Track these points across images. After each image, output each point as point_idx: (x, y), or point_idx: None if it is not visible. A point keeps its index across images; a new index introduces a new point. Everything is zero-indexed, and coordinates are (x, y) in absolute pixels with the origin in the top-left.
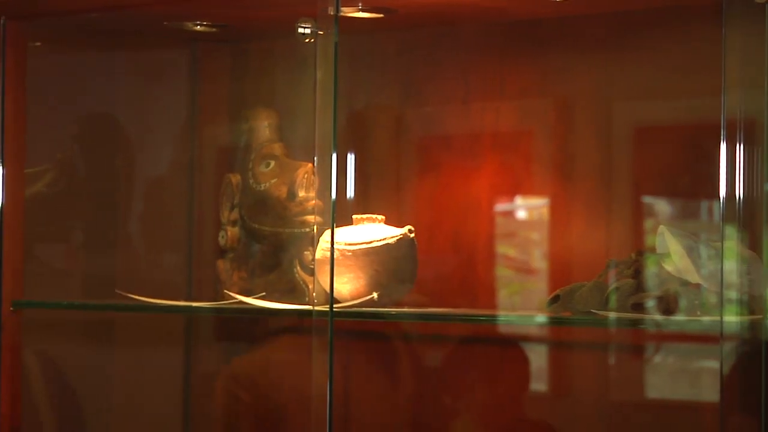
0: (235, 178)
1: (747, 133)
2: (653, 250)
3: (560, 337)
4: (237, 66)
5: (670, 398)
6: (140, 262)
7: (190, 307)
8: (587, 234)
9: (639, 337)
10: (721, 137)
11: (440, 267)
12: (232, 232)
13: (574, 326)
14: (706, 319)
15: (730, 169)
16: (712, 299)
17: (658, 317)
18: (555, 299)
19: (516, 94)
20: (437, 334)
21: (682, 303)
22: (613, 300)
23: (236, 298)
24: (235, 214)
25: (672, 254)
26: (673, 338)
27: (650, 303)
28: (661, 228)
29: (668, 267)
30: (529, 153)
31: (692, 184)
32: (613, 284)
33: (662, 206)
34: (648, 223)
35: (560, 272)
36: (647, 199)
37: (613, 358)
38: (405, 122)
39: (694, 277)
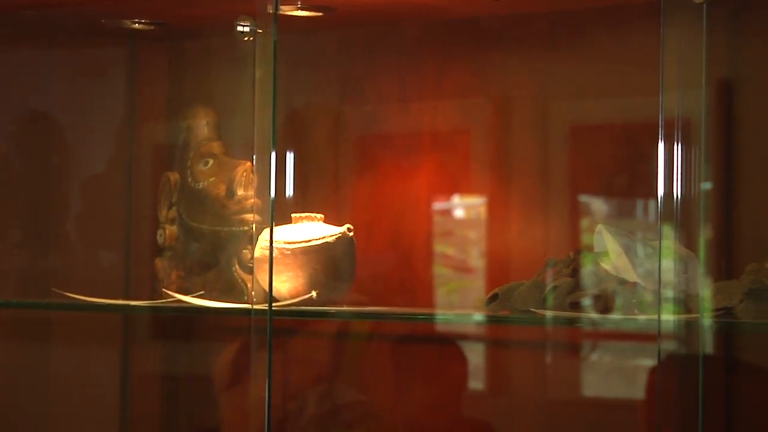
0: (174, 177)
1: (684, 132)
2: (591, 248)
3: (499, 335)
4: (175, 64)
5: (608, 396)
6: (78, 260)
7: (128, 305)
8: (525, 232)
9: (577, 335)
10: (659, 136)
11: (379, 266)
12: (171, 230)
13: (512, 325)
14: (643, 317)
15: (667, 169)
16: (650, 298)
17: (596, 316)
18: (493, 298)
19: (454, 93)
20: (376, 333)
21: (620, 301)
22: (552, 298)
23: (174, 297)
24: (173, 213)
25: (610, 253)
26: (611, 337)
27: (588, 302)
28: (599, 227)
29: (606, 266)
30: (467, 152)
31: (630, 183)
32: (551, 283)
33: (600, 205)
34: (586, 222)
35: (499, 271)
36: (585, 198)
37: (551, 356)
38: (344, 121)
39: (631, 276)
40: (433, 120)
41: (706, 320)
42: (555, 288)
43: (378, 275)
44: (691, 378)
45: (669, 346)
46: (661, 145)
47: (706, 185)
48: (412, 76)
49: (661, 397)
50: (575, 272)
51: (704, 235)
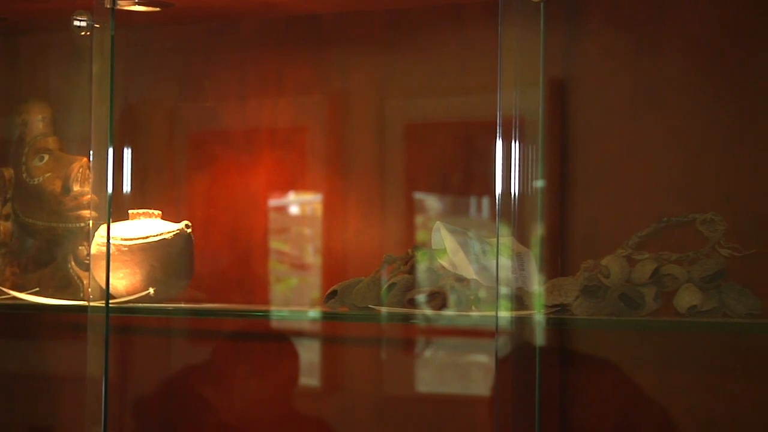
0: (8, 172)
1: (522, 130)
2: (429, 245)
3: (337, 332)
4: (10, 58)
5: (447, 392)
6: None
7: None
8: (363, 229)
9: (416, 332)
10: (497, 134)
11: (217, 262)
12: (5, 226)
13: (350, 321)
14: (480, 314)
15: (505, 166)
16: (486, 294)
17: (434, 313)
18: (332, 294)
19: (293, 91)
20: (214, 330)
21: (457, 298)
22: (391, 295)
23: (9, 294)
24: (7, 209)
25: (447, 250)
26: (448, 333)
27: (426, 298)
28: (437, 224)
29: (443, 262)
30: (306, 149)
31: (467, 180)
32: (390, 279)
33: (438, 202)
34: (423, 219)
35: (336, 267)
36: (422, 196)
37: (390, 353)
38: (182, 117)
39: (468, 273)
40: (271, 117)
41: (542, 317)
42: (393, 285)
43: (216, 272)
44: (528, 373)
45: (506, 342)
46: (499, 143)
47: (542, 183)
48: (250, 74)
49: (498, 391)
50: (413, 269)
51: (540, 232)
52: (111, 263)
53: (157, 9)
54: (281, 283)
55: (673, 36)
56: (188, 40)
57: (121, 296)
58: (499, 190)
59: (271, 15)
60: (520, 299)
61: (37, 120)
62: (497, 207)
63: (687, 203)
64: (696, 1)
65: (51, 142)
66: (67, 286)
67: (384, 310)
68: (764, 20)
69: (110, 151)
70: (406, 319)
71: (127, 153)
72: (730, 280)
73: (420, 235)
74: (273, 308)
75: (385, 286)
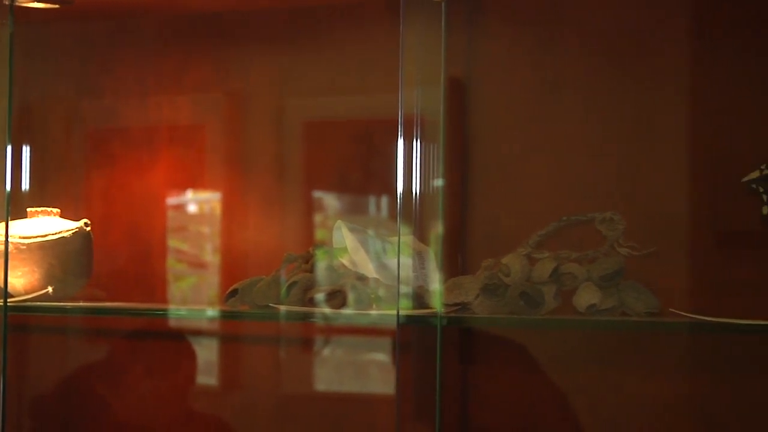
0: None
1: (423, 129)
2: (329, 244)
3: (237, 331)
4: None
5: (347, 391)
6: None
7: None
8: (263, 228)
9: (317, 330)
10: (398, 133)
11: (116, 261)
12: None
13: (250, 320)
14: (380, 312)
15: (406, 165)
16: (387, 293)
17: (335, 311)
18: (233, 293)
19: (193, 88)
20: (112, 329)
21: (357, 297)
22: (291, 294)
23: None
24: None
25: (348, 248)
26: (349, 331)
27: (326, 297)
28: (338, 223)
29: (344, 261)
30: (205, 147)
31: (369, 179)
32: (290, 278)
33: (339, 201)
34: (323, 218)
35: (236, 266)
36: (323, 194)
37: (291, 351)
38: (81, 115)
39: (368, 271)
40: (171, 115)
41: (442, 315)
42: (294, 283)
43: (115, 270)
44: (428, 371)
45: (406, 340)
46: (400, 142)
47: (442, 181)
48: (151, 71)
49: (399, 389)
50: (314, 268)
51: (441, 231)
52: (9, 261)
53: (57, 6)
54: (180, 281)
55: (572, 35)
56: (88, 38)
57: (20, 295)
58: (399, 188)
59: (172, 12)
60: (420, 298)
61: None
62: (398, 205)
63: (587, 202)
64: (595, 1)
65: None
66: None
67: (284, 308)
68: (662, 19)
69: (9, 148)
70: (307, 317)
71: (26, 150)
72: (629, 279)
73: (320, 234)
74: (172, 307)
75: (285, 285)
